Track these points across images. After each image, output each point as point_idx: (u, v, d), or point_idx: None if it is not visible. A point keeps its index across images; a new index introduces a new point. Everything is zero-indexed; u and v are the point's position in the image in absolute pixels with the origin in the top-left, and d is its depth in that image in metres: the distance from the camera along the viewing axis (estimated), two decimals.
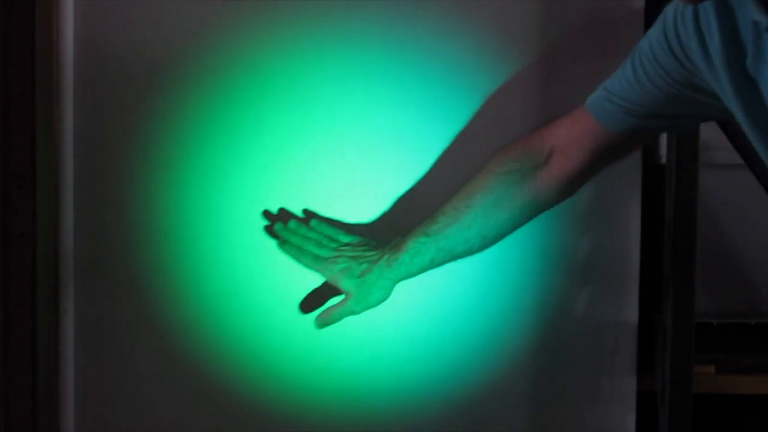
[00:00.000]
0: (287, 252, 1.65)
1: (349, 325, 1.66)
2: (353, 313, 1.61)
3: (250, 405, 1.70)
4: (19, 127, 1.63)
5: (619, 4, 1.69)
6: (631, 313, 1.72)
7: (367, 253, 1.61)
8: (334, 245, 1.63)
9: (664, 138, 1.77)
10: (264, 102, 1.68)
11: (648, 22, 1.70)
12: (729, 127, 1.76)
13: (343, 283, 1.60)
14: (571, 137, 1.50)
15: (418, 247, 1.57)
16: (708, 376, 1.84)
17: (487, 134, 1.69)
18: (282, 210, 1.67)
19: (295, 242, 1.64)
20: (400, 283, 1.61)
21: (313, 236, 1.65)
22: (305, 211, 1.68)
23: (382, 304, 1.63)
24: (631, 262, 1.71)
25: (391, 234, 1.63)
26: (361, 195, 1.69)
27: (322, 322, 1.63)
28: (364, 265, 1.59)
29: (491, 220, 1.55)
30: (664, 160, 1.76)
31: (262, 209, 1.69)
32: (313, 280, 1.67)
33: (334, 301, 1.64)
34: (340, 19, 1.68)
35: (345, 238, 1.64)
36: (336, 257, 1.62)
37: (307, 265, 1.63)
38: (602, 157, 1.51)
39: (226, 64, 1.68)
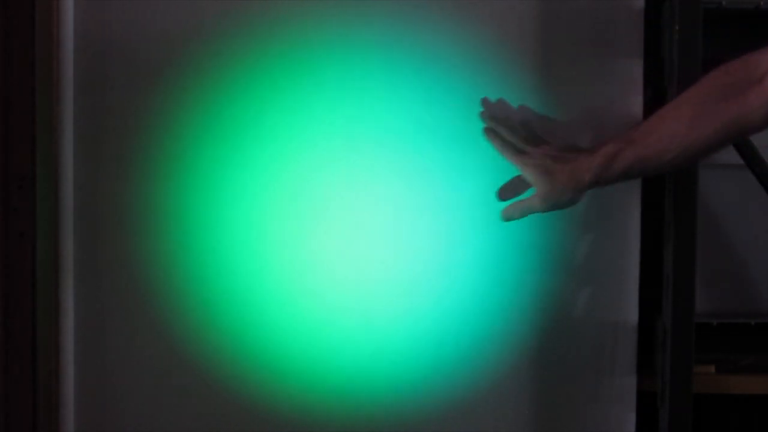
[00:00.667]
0: (491, 140, 1.64)
1: (349, 325, 1.66)
2: (539, 210, 1.59)
3: (250, 405, 1.70)
4: (19, 127, 1.63)
5: (619, 4, 1.69)
6: (631, 313, 1.72)
7: (566, 155, 1.59)
8: (537, 143, 1.62)
9: None
10: (264, 102, 1.68)
11: (648, 22, 1.70)
12: None
13: (536, 181, 1.58)
14: None
15: (616, 152, 1.54)
16: (708, 376, 1.84)
17: None
18: (500, 100, 1.67)
19: (501, 132, 1.63)
20: (400, 282, 1.61)
21: (520, 132, 1.64)
22: (521, 107, 1.67)
23: (382, 304, 1.63)
24: (631, 262, 1.71)
25: None
26: (362, 195, 1.69)
27: (508, 215, 1.61)
28: (560, 166, 1.57)
29: (695, 132, 1.51)
30: None
31: (262, 209, 1.68)
32: (313, 280, 1.67)
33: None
34: (340, 20, 1.68)
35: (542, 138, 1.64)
36: (533, 154, 1.60)
37: (506, 156, 1.62)
38: None
39: (227, 64, 1.68)
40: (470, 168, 1.69)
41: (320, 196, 1.69)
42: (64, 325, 1.69)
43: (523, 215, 1.61)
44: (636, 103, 1.69)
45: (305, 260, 1.69)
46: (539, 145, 1.62)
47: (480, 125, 1.67)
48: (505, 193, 1.66)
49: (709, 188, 1.88)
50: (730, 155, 1.78)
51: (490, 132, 1.65)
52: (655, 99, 1.72)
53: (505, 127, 1.65)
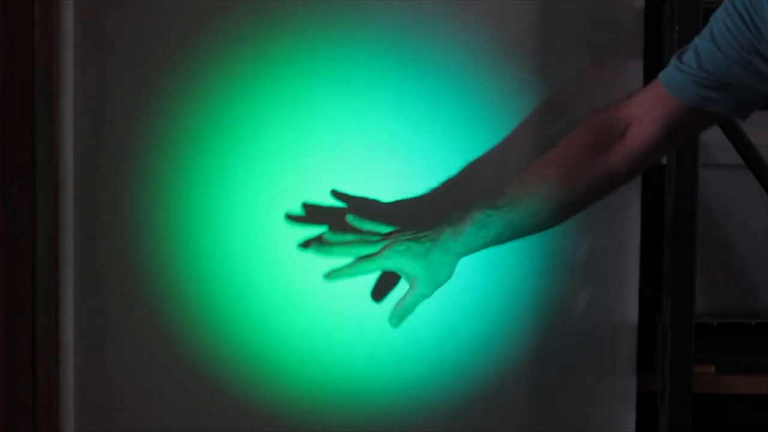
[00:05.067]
0: (341, 275, 1.58)
1: (349, 325, 1.66)
2: (426, 296, 1.56)
3: (251, 405, 1.70)
4: (19, 127, 1.63)
5: (619, 4, 1.69)
6: (631, 313, 1.72)
7: (423, 233, 1.55)
8: (378, 238, 1.58)
9: None
10: (265, 102, 1.68)
11: (648, 22, 1.70)
12: (729, 127, 1.76)
13: (409, 267, 1.55)
14: (644, 107, 1.50)
15: (484, 219, 1.53)
16: (708, 376, 1.84)
17: (488, 134, 1.69)
18: (306, 206, 1.63)
19: (339, 253, 1.59)
20: (399, 285, 1.61)
21: (352, 238, 1.60)
22: (333, 192, 1.64)
23: (380, 306, 1.63)
24: (631, 262, 1.71)
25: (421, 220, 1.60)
26: (364, 195, 1.69)
27: (398, 318, 1.58)
28: (427, 244, 1.54)
29: (564, 194, 1.52)
30: (664, 160, 1.76)
31: (262, 209, 1.68)
32: (313, 279, 1.67)
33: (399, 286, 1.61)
34: (341, 19, 1.68)
35: (386, 229, 1.59)
36: (390, 245, 1.56)
37: (364, 271, 1.58)
38: (673, 131, 1.49)
39: (227, 64, 1.68)
40: (470, 167, 1.69)
41: (320, 196, 1.69)
42: (64, 325, 1.69)
43: (412, 309, 1.58)
44: None
45: (305, 260, 1.69)
46: (384, 235, 1.58)
47: (485, 125, 1.67)
48: (379, 293, 1.63)
49: (709, 188, 1.88)
50: (730, 155, 1.78)
51: (324, 251, 1.60)
52: None
53: (339, 245, 1.59)
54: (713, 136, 1.75)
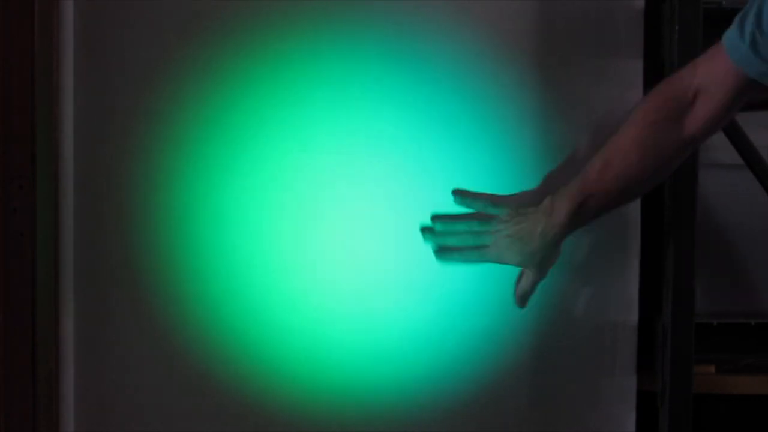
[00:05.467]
0: (449, 259, 1.64)
1: (349, 324, 1.66)
2: (539, 278, 1.62)
3: (251, 405, 1.70)
4: (19, 127, 1.63)
5: (619, 4, 1.69)
6: (631, 313, 1.72)
7: (521, 225, 1.60)
8: (488, 227, 1.62)
9: None
10: (265, 103, 1.68)
11: (648, 22, 1.70)
12: (729, 126, 1.76)
13: (514, 262, 1.61)
14: (712, 77, 1.51)
15: (576, 209, 1.57)
16: (708, 376, 1.84)
17: (488, 134, 1.68)
18: (433, 217, 1.66)
19: (452, 243, 1.63)
20: (399, 282, 1.62)
21: (462, 228, 1.63)
22: (454, 190, 1.66)
23: (382, 303, 1.63)
24: (631, 262, 1.71)
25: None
26: (363, 195, 1.69)
27: (523, 300, 1.64)
28: (526, 238, 1.59)
29: (649, 170, 1.56)
30: None
31: (262, 209, 1.68)
32: (314, 279, 1.67)
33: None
34: (341, 19, 1.68)
35: (493, 210, 1.62)
36: (495, 240, 1.60)
37: (471, 261, 1.63)
38: (740, 97, 1.51)
39: (227, 64, 1.68)
40: (470, 168, 1.69)
41: (321, 196, 1.69)
42: (64, 325, 1.69)
43: (531, 292, 1.63)
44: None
45: (306, 260, 1.69)
46: (493, 230, 1.62)
47: (485, 125, 1.67)
48: (523, 295, 1.66)
49: (709, 188, 1.88)
50: (730, 155, 1.78)
51: (443, 253, 1.64)
52: None
53: (451, 236, 1.64)
54: (713, 136, 1.75)
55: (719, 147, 1.80)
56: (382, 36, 1.68)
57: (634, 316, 1.72)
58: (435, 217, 1.64)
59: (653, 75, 1.71)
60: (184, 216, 1.69)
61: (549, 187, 1.64)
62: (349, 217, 1.69)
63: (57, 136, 1.67)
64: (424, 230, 1.65)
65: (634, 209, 1.71)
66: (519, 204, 1.62)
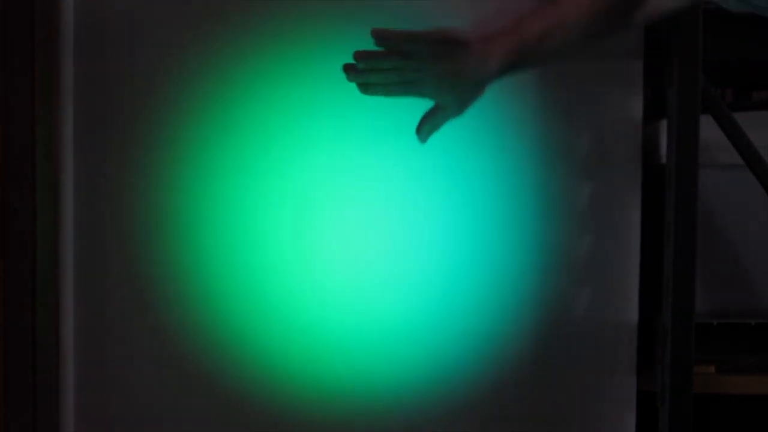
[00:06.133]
0: (373, 92, 1.55)
1: (349, 324, 1.66)
2: (454, 118, 1.55)
3: (250, 405, 1.70)
4: (19, 127, 1.63)
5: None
6: (631, 313, 1.72)
7: (451, 64, 1.52)
8: (412, 63, 1.53)
9: (664, 138, 1.77)
10: (265, 102, 1.68)
11: None
12: (729, 127, 1.76)
13: (439, 98, 1.53)
14: None
15: (510, 59, 1.51)
16: (708, 376, 1.84)
17: (488, 134, 1.69)
18: (356, 54, 1.55)
19: (375, 80, 1.55)
20: (400, 282, 1.61)
21: (386, 65, 1.55)
22: (373, 30, 1.54)
23: (382, 304, 1.63)
24: (631, 262, 1.71)
25: None
26: (363, 195, 1.69)
27: (426, 134, 1.55)
28: (455, 82, 1.52)
29: (597, 21, 1.51)
30: (664, 160, 1.76)
31: (262, 209, 1.68)
32: (314, 279, 1.67)
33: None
34: (341, 19, 1.68)
35: (414, 45, 1.53)
36: (421, 75, 1.53)
37: (396, 95, 1.55)
38: None
39: (227, 64, 1.68)
40: (470, 168, 1.69)
41: (321, 196, 1.69)
42: (64, 325, 1.69)
43: (439, 128, 1.55)
44: (636, 103, 1.70)
45: (306, 260, 1.69)
46: (414, 62, 1.53)
47: (485, 125, 1.67)
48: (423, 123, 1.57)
49: (709, 188, 1.88)
50: (730, 155, 1.78)
51: (366, 88, 1.55)
52: (655, 99, 1.72)
53: (374, 71, 1.54)
54: (713, 136, 1.75)
55: (719, 147, 1.80)
56: None
57: (634, 316, 1.72)
58: (357, 54, 1.55)
59: (653, 75, 1.71)
60: (184, 216, 1.69)
61: (479, 35, 1.55)
62: (350, 216, 1.69)
63: (57, 136, 1.67)
64: (347, 67, 1.55)
65: (634, 209, 1.71)
66: (443, 40, 1.53)
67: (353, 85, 1.62)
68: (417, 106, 1.68)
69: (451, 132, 1.69)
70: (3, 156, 1.63)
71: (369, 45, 1.67)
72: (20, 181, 1.63)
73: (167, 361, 1.70)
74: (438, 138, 1.69)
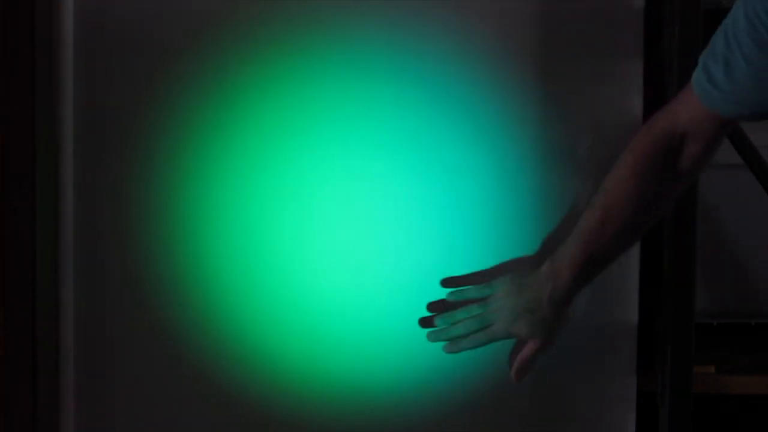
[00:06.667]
0: (461, 350, 1.59)
1: (349, 325, 1.66)
2: (542, 352, 1.58)
3: (250, 405, 1.70)
4: (19, 127, 1.63)
5: (619, 4, 1.69)
6: (631, 313, 1.72)
7: (525, 295, 1.55)
8: (488, 306, 1.57)
9: None
10: (265, 102, 1.68)
11: (648, 22, 1.70)
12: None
13: (524, 332, 1.56)
14: (693, 122, 1.48)
15: (579, 271, 1.53)
16: (708, 376, 1.84)
17: (488, 134, 1.69)
18: (430, 309, 1.63)
19: (457, 334, 1.59)
20: (399, 282, 1.62)
21: (462, 316, 1.59)
22: (442, 281, 1.63)
23: (382, 304, 1.63)
24: (631, 262, 1.71)
25: None
26: (362, 195, 1.69)
27: (523, 374, 1.59)
28: (533, 306, 1.54)
29: (645, 223, 1.54)
30: None
31: (262, 209, 1.68)
32: (313, 280, 1.67)
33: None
34: (341, 18, 1.68)
35: (488, 290, 1.58)
36: (499, 316, 1.56)
37: (482, 344, 1.58)
38: (724, 132, 1.50)
39: (227, 63, 1.68)
40: (470, 168, 1.69)
41: (321, 196, 1.69)
42: (64, 325, 1.69)
43: (531, 366, 1.59)
44: (636, 103, 1.69)
45: (306, 260, 1.69)
46: (490, 310, 1.57)
47: (485, 125, 1.67)
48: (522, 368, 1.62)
49: (709, 188, 1.88)
50: (730, 155, 1.78)
51: (452, 345, 1.60)
52: (655, 99, 1.72)
53: (453, 327, 1.59)
54: None
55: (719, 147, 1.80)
56: (382, 36, 1.68)
57: (634, 316, 1.72)
58: (431, 307, 1.61)
59: (653, 75, 1.71)
60: (185, 216, 1.69)
61: (544, 253, 1.60)
62: (349, 216, 1.69)
63: (57, 136, 1.67)
64: (424, 325, 1.62)
65: None
66: (513, 274, 1.58)
67: (353, 85, 1.63)
68: (417, 107, 1.69)
69: (450, 132, 1.69)
70: (3, 156, 1.63)
71: (370, 48, 1.68)
72: (20, 180, 1.63)
73: (167, 361, 1.70)
74: (438, 138, 1.69)
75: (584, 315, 1.71)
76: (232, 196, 1.69)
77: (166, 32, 1.68)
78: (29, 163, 1.64)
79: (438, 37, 1.68)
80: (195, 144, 1.69)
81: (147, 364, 1.70)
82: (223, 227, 1.69)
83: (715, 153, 1.53)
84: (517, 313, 1.55)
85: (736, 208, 1.94)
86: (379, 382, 1.70)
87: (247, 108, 1.68)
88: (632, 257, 1.71)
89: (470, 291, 1.61)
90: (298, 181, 1.69)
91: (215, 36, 1.68)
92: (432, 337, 1.61)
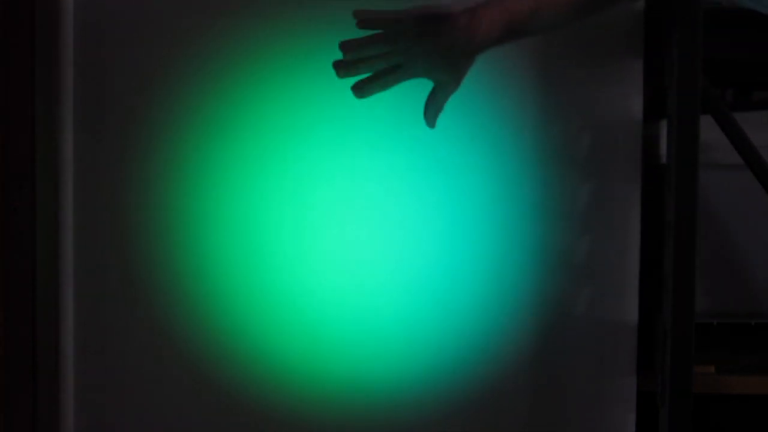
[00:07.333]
0: (369, 91, 1.52)
1: (349, 324, 1.66)
2: (454, 91, 1.53)
3: (250, 405, 1.70)
4: (19, 127, 1.63)
5: (619, 4, 1.69)
6: (631, 313, 1.72)
7: (437, 39, 1.50)
8: (397, 45, 1.51)
9: (664, 138, 1.77)
10: (265, 102, 1.68)
11: (648, 22, 1.70)
12: (729, 127, 1.76)
13: (432, 75, 1.52)
14: None
15: (497, 33, 1.50)
16: (708, 376, 1.84)
17: (488, 134, 1.69)
18: (341, 45, 1.52)
19: (364, 71, 1.52)
20: (399, 282, 1.61)
21: (372, 52, 1.52)
22: (354, 12, 1.53)
23: (382, 303, 1.63)
24: (631, 262, 1.71)
25: None
26: (362, 195, 1.69)
27: (433, 116, 1.54)
28: (446, 56, 1.50)
29: (571, 14, 1.52)
30: (664, 160, 1.76)
31: (262, 209, 1.69)
32: (313, 280, 1.67)
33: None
34: (341, 17, 1.68)
35: (398, 26, 1.51)
36: (409, 55, 1.51)
37: (391, 83, 1.53)
38: None
39: (227, 64, 1.68)
40: (470, 168, 1.69)
41: (321, 196, 1.69)
42: (64, 325, 1.69)
43: (443, 105, 1.54)
44: (636, 103, 1.70)
45: (306, 260, 1.69)
46: (399, 44, 1.51)
47: (484, 125, 1.67)
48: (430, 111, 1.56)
49: (709, 188, 1.88)
50: (730, 155, 1.78)
51: (361, 86, 1.53)
52: (655, 99, 1.72)
53: (359, 64, 1.52)
54: (713, 136, 1.75)
55: (719, 147, 1.80)
56: None
57: (634, 316, 1.72)
58: (343, 44, 1.53)
59: (653, 75, 1.71)
60: (184, 216, 1.69)
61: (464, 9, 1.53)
62: (349, 216, 1.69)
63: (57, 136, 1.67)
64: (335, 64, 1.53)
65: (634, 209, 1.71)
66: (427, 16, 1.51)
67: (350, 85, 1.62)
68: (416, 107, 1.69)
69: (451, 132, 1.69)
70: (3, 156, 1.63)
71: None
72: (20, 180, 1.63)
73: (167, 360, 1.70)
74: (438, 138, 1.69)
75: (584, 315, 1.72)
76: (232, 195, 1.69)
77: (166, 32, 1.68)
78: (29, 163, 1.64)
79: None
80: (195, 144, 1.69)
81: (147, 364, 1.70)
82: (223, 227, 1.69)
83: None
84: (427, 55, 1.51)
85: (736, 208, 1.94)
86: (379, 382, 1.70)
87: (247, 108, 1.68)
88: (632, 257, 1.71)
89: (382, 25, 1.53)
90: (298, 180, 1.69)
91: (215, 36, 1.68)
92: (341, 73, 1.53)
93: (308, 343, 1.69)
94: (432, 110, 1.54)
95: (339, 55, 1.67)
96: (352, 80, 1.57)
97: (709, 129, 1.70)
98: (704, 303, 1.85)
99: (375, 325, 1.69)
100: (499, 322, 1.70)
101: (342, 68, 1.53)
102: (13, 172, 1.63)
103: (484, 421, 1.72)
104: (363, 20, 1.52)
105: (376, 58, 1.52)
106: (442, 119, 1.69)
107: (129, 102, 1.68)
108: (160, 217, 1.69)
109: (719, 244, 1.94)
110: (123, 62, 1.68)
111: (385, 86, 1.53)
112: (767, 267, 1.95)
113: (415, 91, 1.69)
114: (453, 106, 1.68)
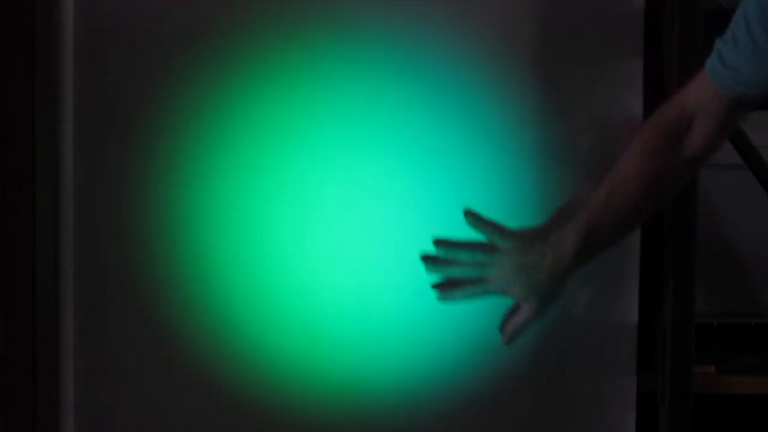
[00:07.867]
0: (452, 297, 1.60)
1: (348, 324, 1.66)
2: (538, 317, 1.60)
3: (251, 405, 1.70)
4: (19, 127, 1.63)
5: (619, 4, 1.69)
6: (631, 313, 1.72)
7: (528, 256, 1.57)
8: (491, 258, 1.58)
9: None
10: (265, 102, 1.68)
11: (648, 22, 1.70)
12: None
13: (517, 294, 1.58)
14: (701, 103, 1.52)
15: (581, 247, 1.56)
16: (708, 376, 1.84)
17: (488, 134, 1.69)
18: (436, 241, 1.60)
19: (454, 275, 1.59)
20: (399, 282, 1.62)
21: (465, 258, 1.59)
22: (465, 211, 1.60)
23: (381, 303, 1.63)
24: (631, 262, 1.71)
25: None
26: (362, 195, 1.69)
27: (511, 339, 1.61)
28: (534, 273, 1.56)
29: (651, 202, 1.58)
30: None
31: (262, 209, 1.69)
32: (313, 280, 1.67)
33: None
34: (341, 17, 1.68)
35: (500, 240, 1.58)
36: (498, 270, 1.57)
37: (474, 295, 1.59)
38: (731, 118, 1.53)
39: (227, 63, 1.68)
40: (470, 168, 1.69)
41: (321, 196, 1.69)
42: (64, 325, 1.69)
43: (522, 331, 1.60)
44: (636, 103, 1.70)
45: (306, 260, 1.69)
46: (493, 257, 1.58)
47: (484, 125, 1.68)
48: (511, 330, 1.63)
49: (709, 188, 1.88)
50: (730, 155, 1.78)
51: (448, 292, 1.60)
52: (655, 99, 1.72)
53: (453, 267, 1.59)
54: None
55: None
56: (382, 36, 1.68)
57: (634, 316, 1.72)
58: (438, 242, 1.60)
59: (653, 75, 1.71)
60: (184, 216, 1.69)
61: (553, 223, 1.60)
62: (349, 216, 1.69)
63: (57, 136, 1.67)
64: (426, 259, 1.60)
65: None
66: (519, 235, 1.59)
67: (353, 85, 1.63)
68: (417, 107, 1.69)
69: (451, 132, 1.69)
70: (3, 156, 1.63)
71: (370, 48, 1.68)
72: (20, 180, 1.63)
73: (167, 361, 1.70)
74: (438, 138, 1.69)
75: (584, 315, 1.72)
76: (232, 196, 1.69)
77: (166, 32, 1.68)
78: (29, 163, 1.64)
79: (438, 37, 1.68)
80: (195, 144, 1.69)
81: (147, 364, 1.70)
82: (223, 227, 1.69)
83: (722, 140, 1.56)
84: (517, 272, 1.57)
85: (736, 208, 1.94)
86: (379, 382, 1.70)
87: (247, 108, 1.68)
88: (632, 257, 1.71)
89: (485, 230, 1.60)
90: (298, 181, 1.69)
91: (215, 36, 1.68)
92: (429, 269, 1.60)
93: (308, 342, 1.69)
94: (511, 330, 1.61)
95: (339, 56, 1.68)
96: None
97: None
98: (704, 303, 1.85)
99: (375, 325, 1.69)
100: (499, 321, 1.70)
101: (432, 264, 1.59)
102: (13, 172, 1.63)
103: (484, 421, 1.72)
104: (475, 219, 1.59)
105: (468, 264, 1.58)
106: (443, 119, 1.69)
107: (129, 102, 1.68)
108: (160, 218, 1.69)
109: (719, 244, 1.94)
110: (123, 62, 1.68)
111: (469, 295, 1.59)
112: (767, 267, 1.95)
113: (415, 90, 1.69)
114: (453, 106, 1.69)
